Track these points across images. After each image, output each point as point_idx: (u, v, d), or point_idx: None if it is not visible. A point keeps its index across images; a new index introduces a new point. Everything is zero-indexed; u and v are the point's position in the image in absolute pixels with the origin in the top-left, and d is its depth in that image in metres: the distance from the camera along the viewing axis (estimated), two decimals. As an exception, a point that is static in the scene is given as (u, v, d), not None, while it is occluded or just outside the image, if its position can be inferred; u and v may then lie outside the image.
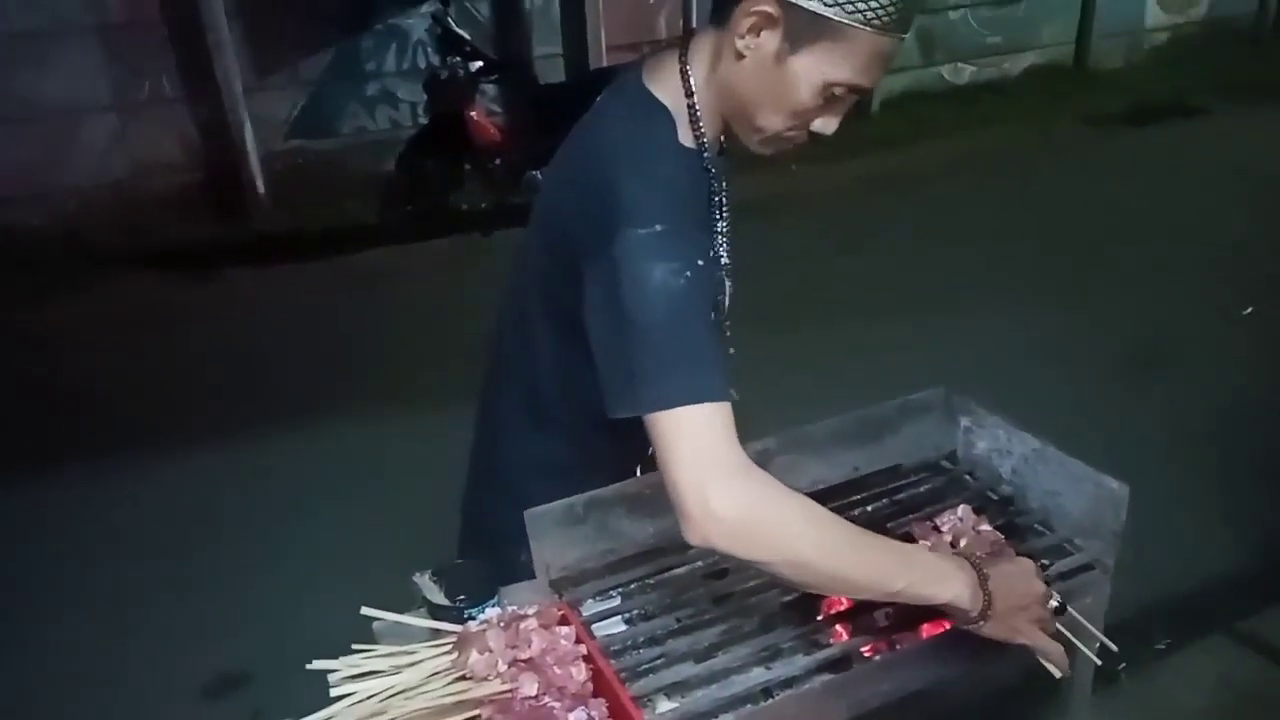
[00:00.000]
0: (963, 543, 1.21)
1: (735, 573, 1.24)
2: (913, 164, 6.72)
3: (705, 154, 1.16)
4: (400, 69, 6.21)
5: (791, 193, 6.26)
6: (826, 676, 1.09)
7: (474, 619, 1.08)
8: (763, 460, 1.34)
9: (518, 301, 1.30)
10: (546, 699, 0.96)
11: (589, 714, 0.96)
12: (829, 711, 1.09)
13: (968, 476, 1.42)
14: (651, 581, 1.25)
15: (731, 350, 1.34)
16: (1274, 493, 3.03)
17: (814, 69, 1.04)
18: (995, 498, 1.37)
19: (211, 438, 3.57)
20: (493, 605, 1.11)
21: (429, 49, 6.07)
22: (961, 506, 1.27)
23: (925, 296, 4.57)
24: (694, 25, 6.91)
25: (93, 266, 5.21)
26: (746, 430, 1.38)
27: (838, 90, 1.06)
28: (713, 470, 0.96)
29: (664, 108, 1.13)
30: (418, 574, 1.14)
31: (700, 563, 1.27)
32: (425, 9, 5.93)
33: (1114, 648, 1.15)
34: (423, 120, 5.90)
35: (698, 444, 0.97)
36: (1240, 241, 5.06)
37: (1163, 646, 2.38)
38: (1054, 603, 1.09)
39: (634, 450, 1.29)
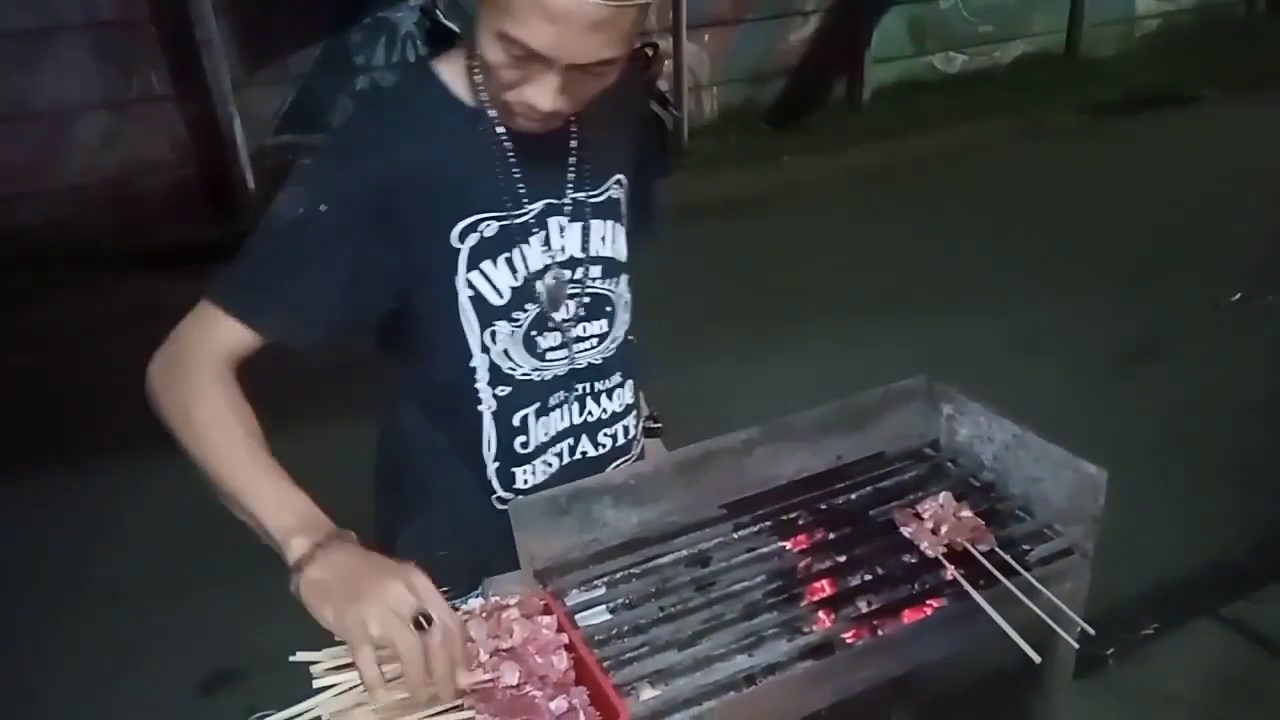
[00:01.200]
0: (944, 529, 1.21)
1: (719, 561, 1.25)
2: (905, 154, 6.73)
3: (489, 116, 1.14)
4: (390, 62, 6.19)
5: (783, 184, 6.27)
6: (809, 663, 1.10)
7: (457, 610, 1.08)
8: (749, 448, 1.36)
9: None
10: (528, 688, 0.97)
11: (570, 702, 0.96)
12: (811, 697, 1.10)
13: (950, 463, 1.43)
14: (636, 571, 1.26)
15: (628, 342, 1.34)
16: (1259, 479, 3.05)
17: (488, 18, 1.02)
18: (977, 484, 1.38)
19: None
20: (476, 596, 1.12)
21: (418, 42, 6.03)
22: (943, 493, 1.27)
23: (915, 287, 4.58)
24: (683, 17, 6.90)
25: (83, 265, 5.20)
26: (731, 417, 1.40)
27: (515, 48, 1.00)
28: (169, 352, 1.14)
29: (428, 70, 1.17)
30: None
31: (684, 552, 1.28)
32: (414, 2, 5.91)
33: (1091, 632, 1.16)
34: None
35: (185, 332, 1.13)
36: (1231, 229, 5.08)
37: (1150, 632, 2.40)
38: (408, 636, 0.89)
39: (463, 445, 1.29)
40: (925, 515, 1.24)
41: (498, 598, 1.09)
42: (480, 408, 1.24)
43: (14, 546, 3.07)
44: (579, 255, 1.24)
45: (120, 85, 5.60)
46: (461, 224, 1.15)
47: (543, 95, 1.04)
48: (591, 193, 1.24)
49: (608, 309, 1.29)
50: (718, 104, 7.47)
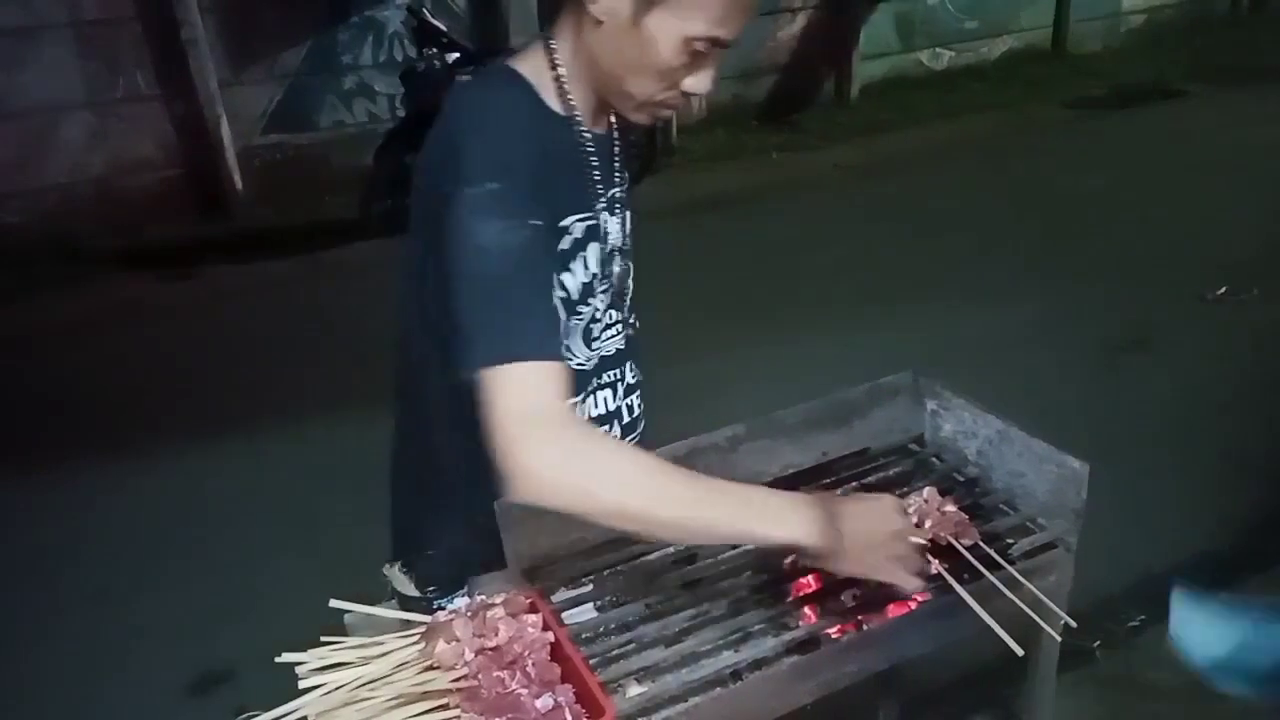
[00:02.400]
0: (927, 524, 1.22)
1: (705, 558, 1.26)
2: (893, 150, 6.74)
3: (578, 123, 1.16)
4: (377, 61, 6.18)
5: (772, 181, 6.29)
6: (794, 658, 1.11)
7: (443, 609, 1.09)
8: (734, 445, 1.36)
9: (402, 292, 1.30)
10: (514, 687, 0.97)
11: (556, 700, 0.97)
12: (797, 692, 1.11)
13: (935, 459, 1.44)
14: (622, 568, 1.26)
15: (633, 329, 1.35)
16: (1242, 471, 3.07)
17: (671, 25, 1.03)
18: (961, 479, 1.39)
19: (191, 435, 3.56)
20: (462, 595, 1.12)
21: (406, 41, 6.04)
22: (928, 488, 1.28)
23: (903, 282, 4.59)
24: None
25: (70, 264, 5.19)
26: (719, 414, 1.40)
27: (698, 45, 1.04)
28: (531, 425, 0.96)
29: (517, 75, 1.14)
30: (388, 565, 1.15)
31: (671, 549, 1.29)
32: (401, 0, 5.90)
33: (1074, 624, 1.17)
34: (401, 113, 5.88)
35: (513, 401, 0.96)
36: (1216, 223, 5.11)
37: (1136, 624, 2.41)
38: (919, 539, 1.12)
39: None
40: (910, 510, 1.25)
41: (483, 596, 1.09)
42: None
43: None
44: (620, 246, 1.29)
45: (106, 85, 5.57)
46: (560, 226, 1.18)
47: (706, 80, 1.10)
48: (625, 186, 1.29)
49: (629, 296, 1.34)
50: (706, 101, 7.47)
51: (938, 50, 8.33)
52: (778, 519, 1.02)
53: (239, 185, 5.87)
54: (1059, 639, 1.20)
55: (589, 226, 1.21)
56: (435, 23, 5.50)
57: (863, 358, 2.77)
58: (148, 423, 3.70)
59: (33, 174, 5.49)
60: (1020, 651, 1.10)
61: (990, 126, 7.18)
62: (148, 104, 5.71)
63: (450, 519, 1.34)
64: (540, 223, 1.06)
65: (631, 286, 1.33)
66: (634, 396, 1.40)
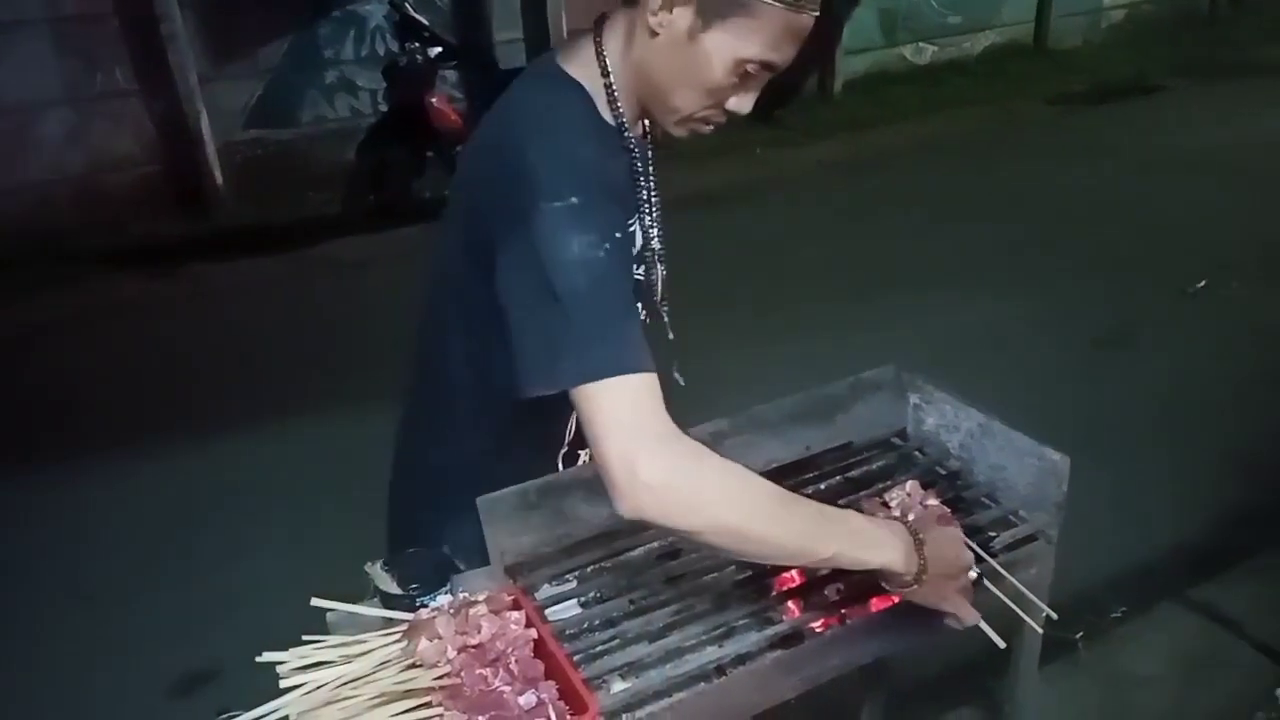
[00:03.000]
0: (910, 516, 1.22)
1: (688, 553, 1.26)
2: (876, 146, 6.76)
3: (626, 132, 1.17)
4: (359, 56, 6.14)
5: (756, 177, 6.29)
6: (778, 652, 1.11)
7: (426, 607, 1.08)
8: (717, 440, 1.36)
9: (433, 294, 1.28)
10: (497, 684, 0.97)
11: (540, 697, 0.96)
12: (781, 686, 1.11)
13: (917, 452, 1.45)
14: (606, 564, 1.26)
15: (670, 335, 1.35)
16: (1224, 463, 3.09)
17: (726, 45, 1.04)
18: (944, 472, 1.39)
19: (173, 434, 3.53)
20: (445, 593, 1.11)
21: (388, 35, 6.01)
22: (910, 482, 1.29)
23: (886, 277, 4.61)
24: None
25: (49, 263, 5.13)
26: (703, 411, 1.40)
27: (750, 67, 1.06)
28: (640, 439, 0.94)
29: (578, 85, 1.13)
30: (370, 563, 1.14)
31: (655, 544, 1.29)
32: (386, -2, 5.87)
33: (1055, 617, 1.18)
34: (383, 108, 5.85)
35: (623, 415, 0.95)
36: (1196, 217, 5.15)
37: (1118, 615, 2.43)
38: (974, 573, 1.13)
39: (551, 441, 1.29)
40: (893, 504, 1.25)
41: (466, 594, 1.09)
42: None
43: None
44: (657, 248, 1.31)
45: (85, 80, 5.51)
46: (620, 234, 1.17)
47: (748, 102, 1.13)
48: (657, 191, 1.29)
49: (664, 300, 1.35)
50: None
51: (921, 45, 8.36)
52: (871, 545, 1.05)
53: (220, 181, 5.82)
54: (1041, 631, 1.20)
55: (632, 234, 1.22)
56: (417, 17, 5.47)
57: (846, 353, 2.77)
58: (129, 422, 3.66)
59: (10, 171, 5.43)
60: (1002, 644, 1.10)
61: (973, 122, 7.21)
62: (127, 100, 5.66)
63: (460, 520, 1.30)
64: (620, 235, 1.05)
65: (662, 290, 1.34)
66: None
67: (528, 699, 0.96)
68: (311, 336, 4.20)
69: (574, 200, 1.01)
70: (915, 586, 1.06)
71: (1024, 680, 1.37)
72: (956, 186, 5.89)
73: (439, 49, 5.45)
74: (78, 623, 2.74)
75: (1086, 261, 4.72)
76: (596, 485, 1.28)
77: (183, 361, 4.18)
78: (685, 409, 1.60)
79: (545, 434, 1.29)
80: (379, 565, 1.14)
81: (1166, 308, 4.25)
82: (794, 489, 1.35)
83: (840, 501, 1.32)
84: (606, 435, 0.95)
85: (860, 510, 1.25)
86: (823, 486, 1.39)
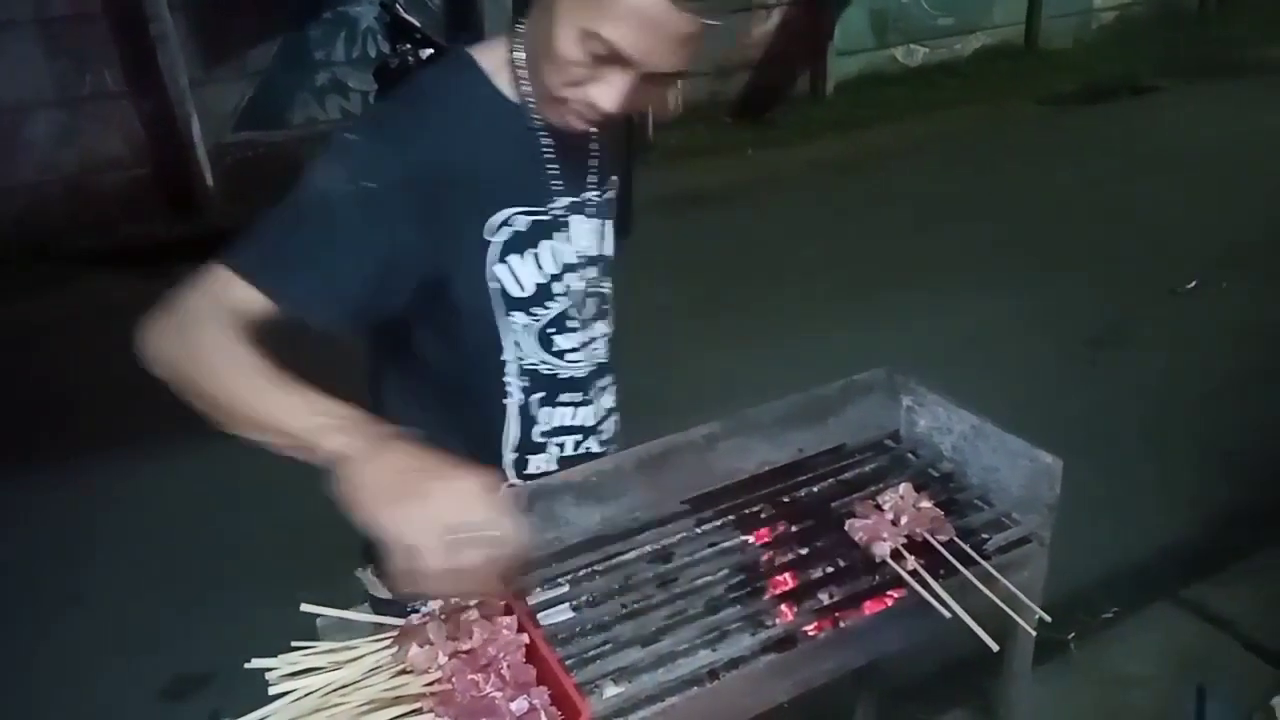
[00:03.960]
0: (903, 519, 1.22)
1: (681, 557, 1.25)
2: (868, 146, 6.77)
3: (533, 115, 1.14)
4: (350, 58, 6.13)
5: (748, 177, 6.29)
6: (771, 656, 1.10)
7: (417, 612, 1.07)
8: (709, 443, 1.36)
9: None
10: (488, 690, 0.96)
11: (532, 703, 0.96)
12: (774, 690, 1.11)
13: (910, 454, 1.44)
14: (598, 568, 1.25)
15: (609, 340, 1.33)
16: (1215, 463, 3.10)
17: (573, 11, 0.99)
18: (936, 474, 1.39)
19: (164, 436, 3.50)
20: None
21: (379, 37, 5.99)
22: (903, 484, 1.28)
23: (879, 278, 4.61)
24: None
25: (38, 265, 5.10)
26: (694, 412, 1.40)
27: (598, 47, 1.00)
28: (177, 309, 1.02)
29: (470, 62, 1.14)
30: (360, 569, 1.13)
31: (648, 548, 1.28)
32: (376, -3, 5.85)
33: (1048, 619, 1.18)
34: (374, 110, 5.83)
35: (196, 292, 1.02)
36: (1186, 216, 5.17)
37: (1110, 616, 2.43)
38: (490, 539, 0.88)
39: (486, 440, 1.27)
40: (885, 506, 1.25)
41: (457, 599, 1.08)
42: (506, 400, 1.25)
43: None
44: (594, 254, 1.26)
45: (74, 82, 5.48)
46: (497, 217, 1.15)
47: (608, 96, 1.04)
48: (604, 192, 1.26)
49: (607, 308, 1.32)
50: (682, 98, 7.47)
51: (912, 46, 8.37)
52: (312, 433, 0.94)
53: (210, 183, 5.80)
54: (1033, 633, 1.20)
55: (537, 222, 1.18)
56: (409, 18, 5.44)
57: (837, 354, 2.78)
58: (119, 424, 3.64)
59: (0, 173, 5.40)
60: (995, 646, 1.10)
61: (964, 122, 7.23)
62: (117, 101, 5.63)
63: None
64: (374, 185, 1.04)
65: (609, 296, 1.31)
66: (612, 416, 1.40)
67: (520, 705, 0.95)
68: (301, 339, 4.18)
69: (350, 136, 1.08)
70: (340, 474, 0.91)
71: (1017, 681, 1.37)
72: (948, 187, 5.91)
73: (430, 50, 5.42)
74: (69, 626, 2.73)
75: (1078, 262, 4.73)
76: (588, 489, 1.28)
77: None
78: (675, 411, 1.60)
79: (480, 438, 1.27)
80: (370, 570, 1.13)
81: (1158, 308, 4.26)
82: (787, 492, 1.37)
83: (833, 503, 1.33)
84: (179, 290, 1.03)
85: (853, 514, 1.26)
86: (815, 489, 1.39)
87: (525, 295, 1.20)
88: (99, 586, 2.86)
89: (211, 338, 1.00)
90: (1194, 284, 4.38)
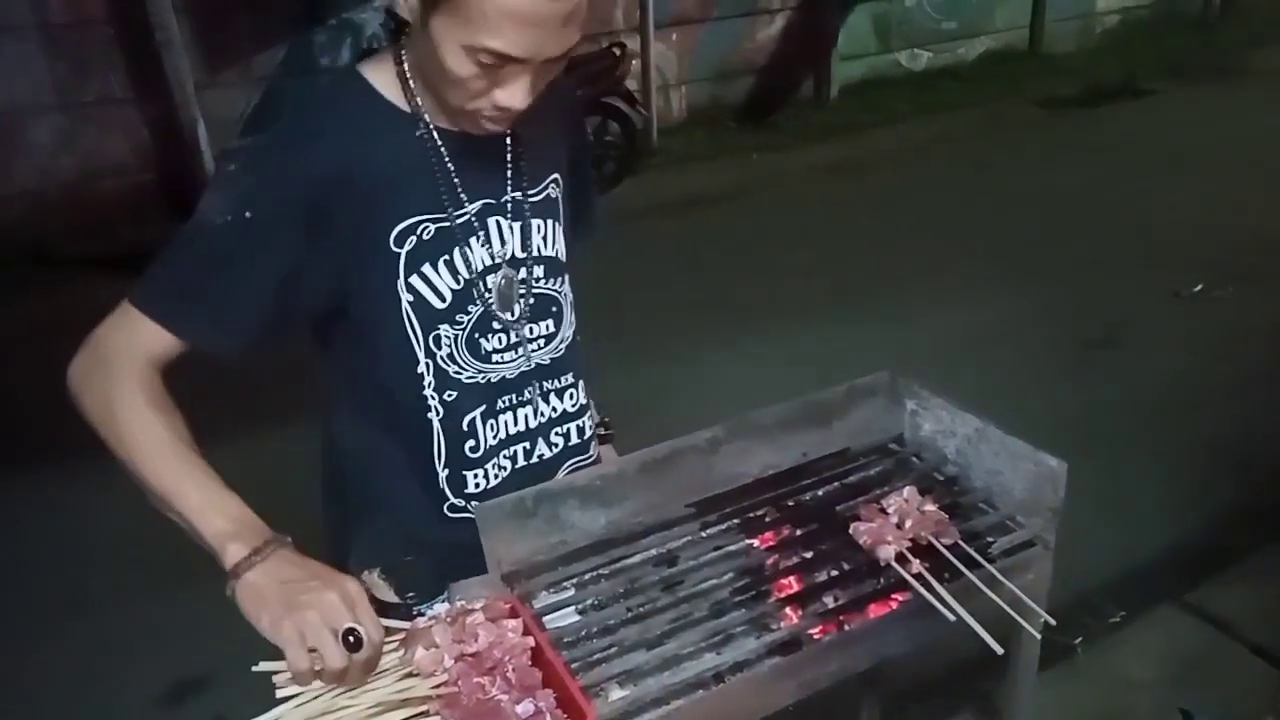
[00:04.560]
0: (908, 523, 1.22)
1: (686, 560, 1.25)
2: (871, 151, 6.77)
3: (428, 124, 1.13)
4: (355, 63, 6.13)
5: (751, 181, 6.30)
6: (776, 659, 1.10)
7: (423, 615, 1.08)
8: (713, 447, 1.36)
9: None
10: (494, 693, 0.96)
11: (537, 706, 0.96)
12: (779, 693, 1.11)
13: (914, 458, 1.44)
14: (604, 572, 1.25)
15: (565, 344, 1.31)
16: (1218, 467, 3.10)
17: (449, 33, 0.98)
18: (941, 478, 1.39)
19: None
20: (442, 601, 1.11)
21: (384, 43, 6.00)
22: (907, 488, 1.28)
23: (882, 281, 4.61)
24: (650, 16, 6.91)
25: (43, 271, 5.11)
26: (697, 416, 1.40)
27: (486, 58, 0.98)
28: (89, 352, 1.10)
29: (356, 75, 1.13)
30: (367, 572, 1.14)
31: (653, 551, 1.28)
32: (378, 2, 5.86)
33: (1053, 622, 1.18)
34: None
35: (106, 332, 1.10)
36: (1190, 220, 5.17)
37: (1116, 619, 2.43)
38: (351, 635, 0.92)
39: (417, 457, 1.25)
40: (890, 510, 1.25)
41: (463, 602, 1.09)
42: (430, 415, 1.22)
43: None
44: (520, 255, 1.22)
45: (80, 87, 5.50)
46: (398, 227, 1.13)
47: (517, 95, 1.04)
48: (529, 192, 1.23)
49: (554, 309, 1.28)
50: (686, 103, 7.48)
51: (916, 51, 8.38)
52: (212, 523, 1.05)
53: (215, 189, 5.81)
54: (1038, 636, 1.20)
55: (444, 229, 1.16)
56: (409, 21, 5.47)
57: (841, 357, 2.78)
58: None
59: (4, 177, 5.42)
60: (1000, 650, 1.10)
61: (966, 126, 7.24)
62: (122, 107, 5.65)
63: (379, 530, 1.30)
64: (252, 215, 1.07)
65: (563, 298, 1.28)
66: (584, 418, 1.36)
67: (525, 708, 0.96)
68: (300, 343, 4.19)
69: (231, 166, 1.12)
70: (231, 582, 1.01)
71: (1021, 685, 1.37)
72: (951, 190, 5.91)
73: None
74: (69, 629, 2.73)
75: (1081, 265, 4.73)
76: (593, 493, 1.28)
77: (175, 369, 4.16)
78: (679, 414, 1.61)
79: (413, 458, 1.25)
80: (376, 573, 1.14)
81: (1161, 311, 4.26)
82: (791, 495, 1.37)
83: (837, 507, 1.33)
84: (95, 330, 1.11)
85: (858, 517, 1.26)
86: (820, 493, 1.39)
87: (445, 305, 1.18)
88: (99, 589, 2.86)
89: (126, 394, 1.07)
90: (1199, 288, 4.38)
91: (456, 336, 1.19)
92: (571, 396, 1.33)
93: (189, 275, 1.10)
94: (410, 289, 1.15)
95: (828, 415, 1.44)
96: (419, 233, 1.14)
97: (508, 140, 1.19)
